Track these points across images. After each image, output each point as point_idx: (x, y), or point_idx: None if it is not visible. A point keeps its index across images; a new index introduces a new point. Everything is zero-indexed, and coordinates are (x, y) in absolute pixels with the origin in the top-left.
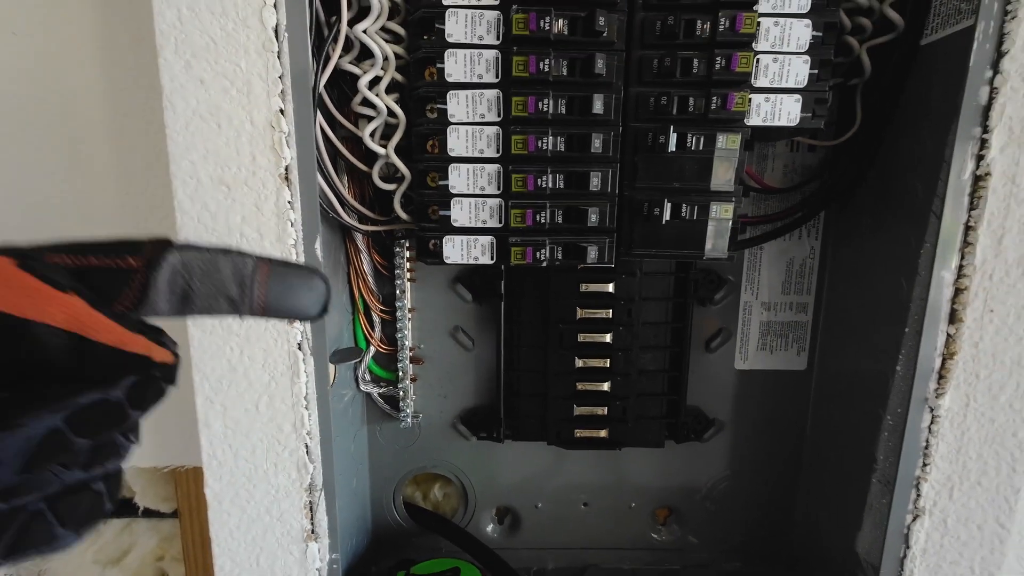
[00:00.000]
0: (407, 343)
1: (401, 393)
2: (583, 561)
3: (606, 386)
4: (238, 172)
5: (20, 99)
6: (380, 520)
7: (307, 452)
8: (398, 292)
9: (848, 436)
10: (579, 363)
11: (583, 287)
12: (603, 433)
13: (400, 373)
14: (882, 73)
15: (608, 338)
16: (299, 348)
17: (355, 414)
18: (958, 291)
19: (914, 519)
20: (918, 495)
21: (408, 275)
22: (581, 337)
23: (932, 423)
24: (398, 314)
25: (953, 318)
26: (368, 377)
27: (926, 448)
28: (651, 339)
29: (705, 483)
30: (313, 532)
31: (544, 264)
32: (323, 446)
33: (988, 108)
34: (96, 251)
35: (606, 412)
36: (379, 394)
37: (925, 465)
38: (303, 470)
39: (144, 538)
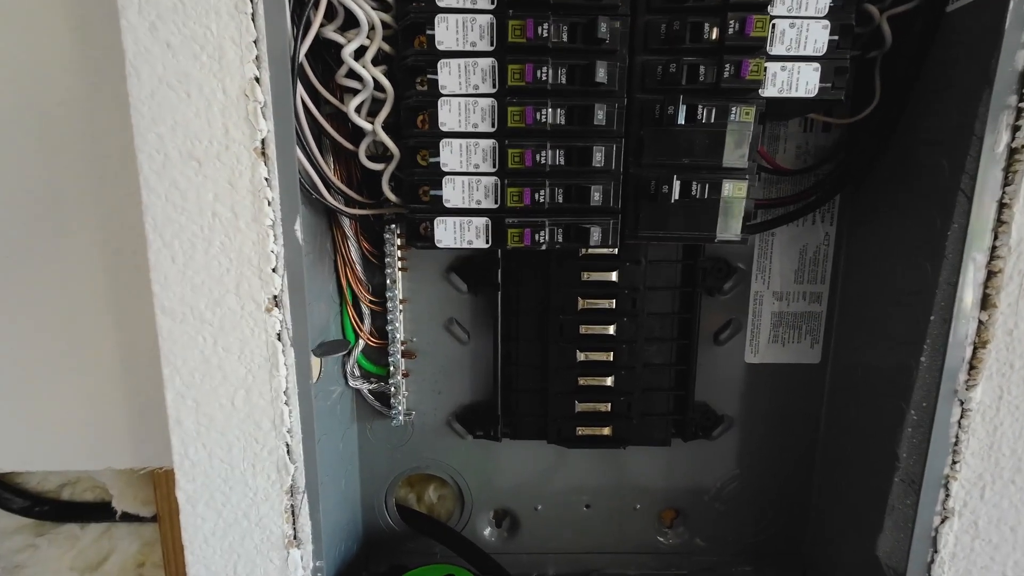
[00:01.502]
0: (398, 336)
1: (392, 389)
2: (585, 566)
3: (609, 381)
4: (210, 146)
5: None
6: (371, 524)
7: (288, 452)
8: (388, 282)
9: (866, 433)
10: (581, 356)
11: (585, 276)
12: (606, 431)
13: (391, 368)
14: (903, 44)
15: (611, 330)
16: (278, 339)
17: (344, 412)
18: (991, 274)
19: (942, 521)
20: (947, 495)
21: (399, 264)
22: (583, 329)
23: (962, 417)
24: (389, 305)
25: (985, 303)
26: (357, 372)
27: (955, 444)
28: (657, 331)
29: (714, 483)
30: (295, 538)
31: (543, 247)
32: (305, 445)
33: None
34: None
35: (609, 408)
36: (369, 390)
37: (954, 463)
38: (283, 471)
39: (124, 543)
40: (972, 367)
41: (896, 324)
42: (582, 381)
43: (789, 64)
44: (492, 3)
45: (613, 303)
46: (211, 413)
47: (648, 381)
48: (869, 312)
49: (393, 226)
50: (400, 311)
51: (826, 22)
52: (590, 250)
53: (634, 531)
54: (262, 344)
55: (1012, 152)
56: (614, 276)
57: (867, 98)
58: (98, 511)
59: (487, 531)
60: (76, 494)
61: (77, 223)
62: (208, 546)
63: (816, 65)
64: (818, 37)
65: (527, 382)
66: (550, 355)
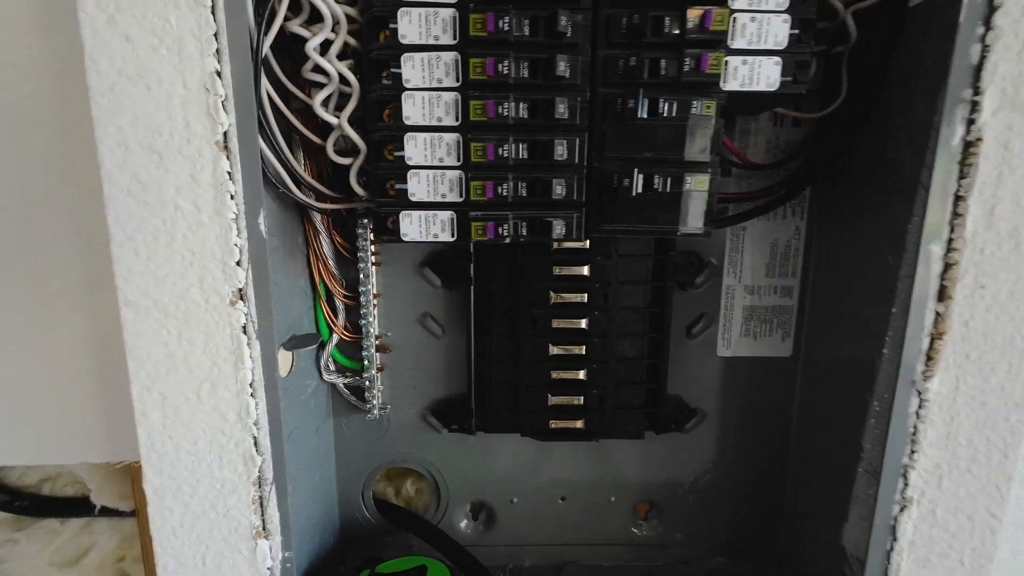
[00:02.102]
0: (372, 331)
1: (367, 383)
2: (561, 558)
3: (582, 374)
4: (171, 139)
5: None
6: (349, 517)
7: (255, 444)
8: (362, 277)
9: (834, 424)
10: (553, 350)
11: (556, 270)
12: (579, 424)
13: (366, 362)
14: (869, 39)
15: (583, 324)
16: (244, 332)
17: (318, 406)
18: (947, 266)
19: (901, 510)
20: (905, 484)
21: (372, 258)
22: (555, 323)
23: (920, 408)
24: (362, 300)
25: (942, 295)
26: (332, 367)
27: (914, 434)
28: (629, 325)
29: (688, 476)
30: (264, 529)
31: (507, 240)
32: (272, 437)
33: (980, 68)
34: None
35: (582, 402)
36: (344, 384)
37: (913, 452)
38: (250, 463)
39: (104, 538)
40: (929, 358)
41: (863, 317)
42: (555, 375)
43: (750, 58)
44: None
45: (585, 297)
46: (177, 406)
47: (620, 375)
48: (838, 306)
49: (365, 221)
50: (374, 306)
51: (787, 16)
52: (562, 244)
53: (609, 524)
54: (227, 337)
55: (967, 145)
56: (586, 270)
57: (837, 92)
58: (78, 506)
59: (464, 523)
60: (56, 489)
61: (47, 217)
62: (176, 538)
63: (777, 59)
64: (779, 31)
65: (501, 376)
66: (523, 349)
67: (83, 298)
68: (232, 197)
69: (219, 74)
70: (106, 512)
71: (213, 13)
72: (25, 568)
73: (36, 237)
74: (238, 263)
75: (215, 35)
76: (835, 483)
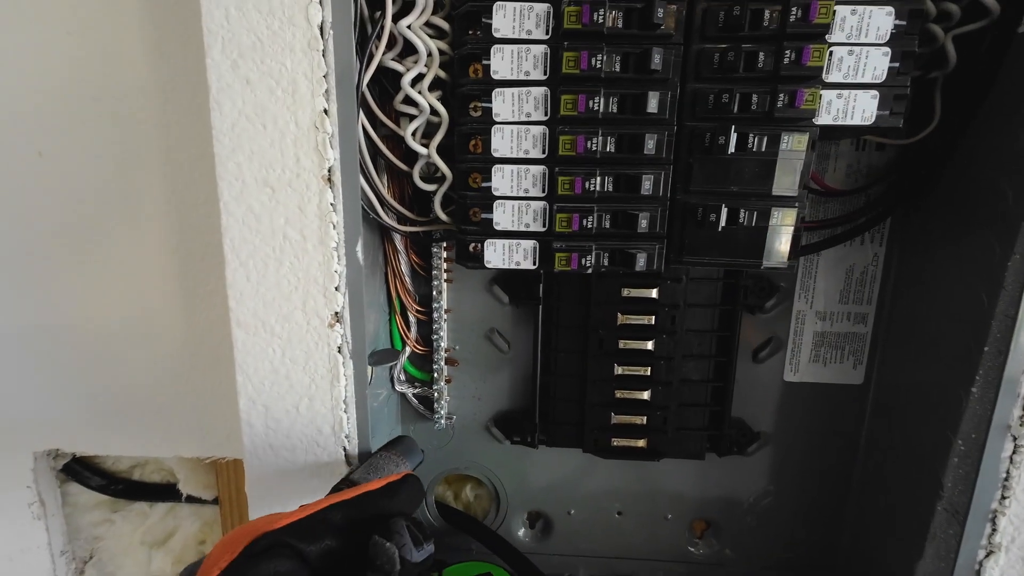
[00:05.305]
0: (442, 344)
1: (435, 394)
2: (615, 570)
3: (646, 395)
4: (282, 174)
5: (72, 96)
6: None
7: (345, 456)
8: (434, 293)
9: (909, 457)
10: (619, 370)
11: (625, 292)
12: (642, 443)
13: (435, 374)
14: (967, 65)
15: (650, 345)
16: (339, 351)
17: (390, 414)
18: None
19: (988, 555)
20: (994, 529)
21: (445, 276)
22: (621, 344)
23: (1014, 453)
24: (434, 315)
25: None
26: (403, 377)
27: (1006, 480)
28: (695, 347)
29: (747, 498)
30: None
31: (589, 271)
32: (360, 449)
33: None
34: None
35: (645, 421)
36: (414, 394)
37: (1004, 498)
38: (338, 476)
39: (187, 522)
40: None
41: (946, 351)
42: (619, 394)
43: (845, 92)
44: (547, 34)
45: (652, 319)
46: (278, 417)
47: (685, 396)
48: (917, 336)
49: (441, 241)
50: (444, 320)
51: (887, 49)
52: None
53: (664, 540)
54: (325, 357)
55: None
56: (654, 293)
57: (924, 118)
58: (165, 491)
59: (521, 531)
60: (145, 475)
61: (151, 235)
62: None
63: (874, 92)
64: (877, 64)
65: (565, 393)
66: (588, 368)
67: (180, 310)
68: (334, 227)
69: (327, 112)
70: (190, 499)
71: (324, 56)
72: (121, 545)
73: (143, 254)
74: (337, 288)
75: (325, 76)
76: (907, 517)
